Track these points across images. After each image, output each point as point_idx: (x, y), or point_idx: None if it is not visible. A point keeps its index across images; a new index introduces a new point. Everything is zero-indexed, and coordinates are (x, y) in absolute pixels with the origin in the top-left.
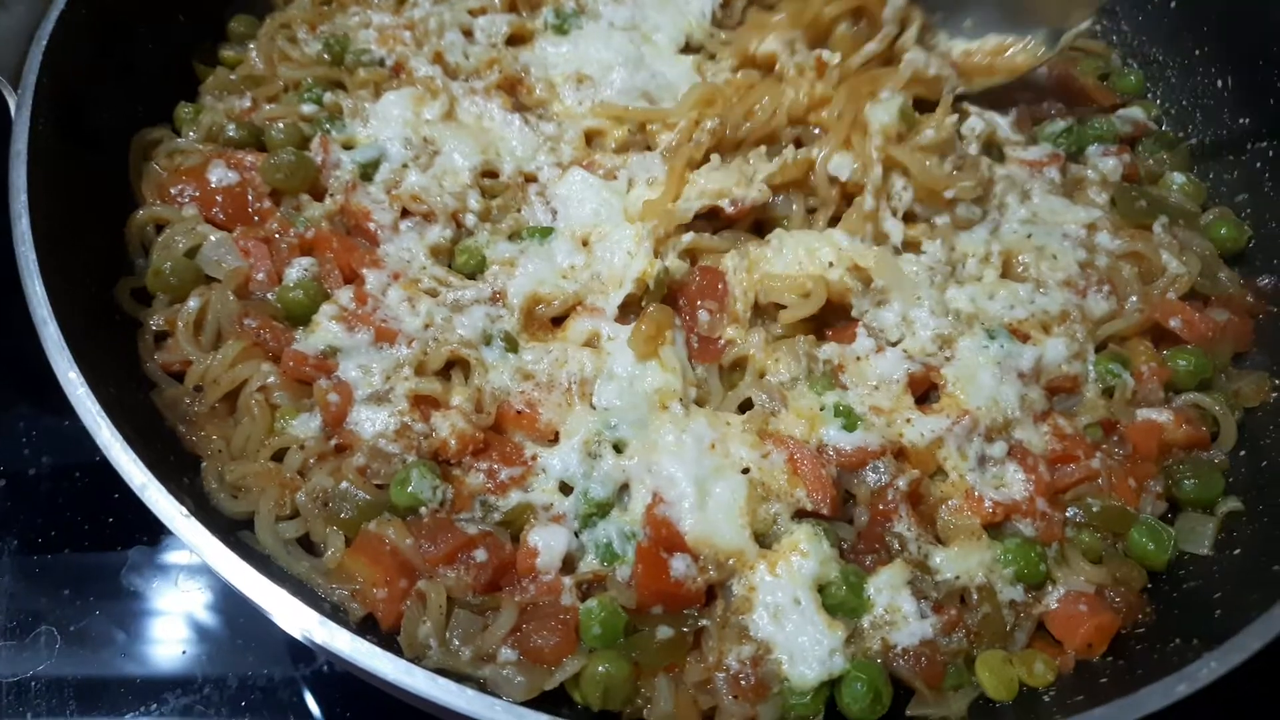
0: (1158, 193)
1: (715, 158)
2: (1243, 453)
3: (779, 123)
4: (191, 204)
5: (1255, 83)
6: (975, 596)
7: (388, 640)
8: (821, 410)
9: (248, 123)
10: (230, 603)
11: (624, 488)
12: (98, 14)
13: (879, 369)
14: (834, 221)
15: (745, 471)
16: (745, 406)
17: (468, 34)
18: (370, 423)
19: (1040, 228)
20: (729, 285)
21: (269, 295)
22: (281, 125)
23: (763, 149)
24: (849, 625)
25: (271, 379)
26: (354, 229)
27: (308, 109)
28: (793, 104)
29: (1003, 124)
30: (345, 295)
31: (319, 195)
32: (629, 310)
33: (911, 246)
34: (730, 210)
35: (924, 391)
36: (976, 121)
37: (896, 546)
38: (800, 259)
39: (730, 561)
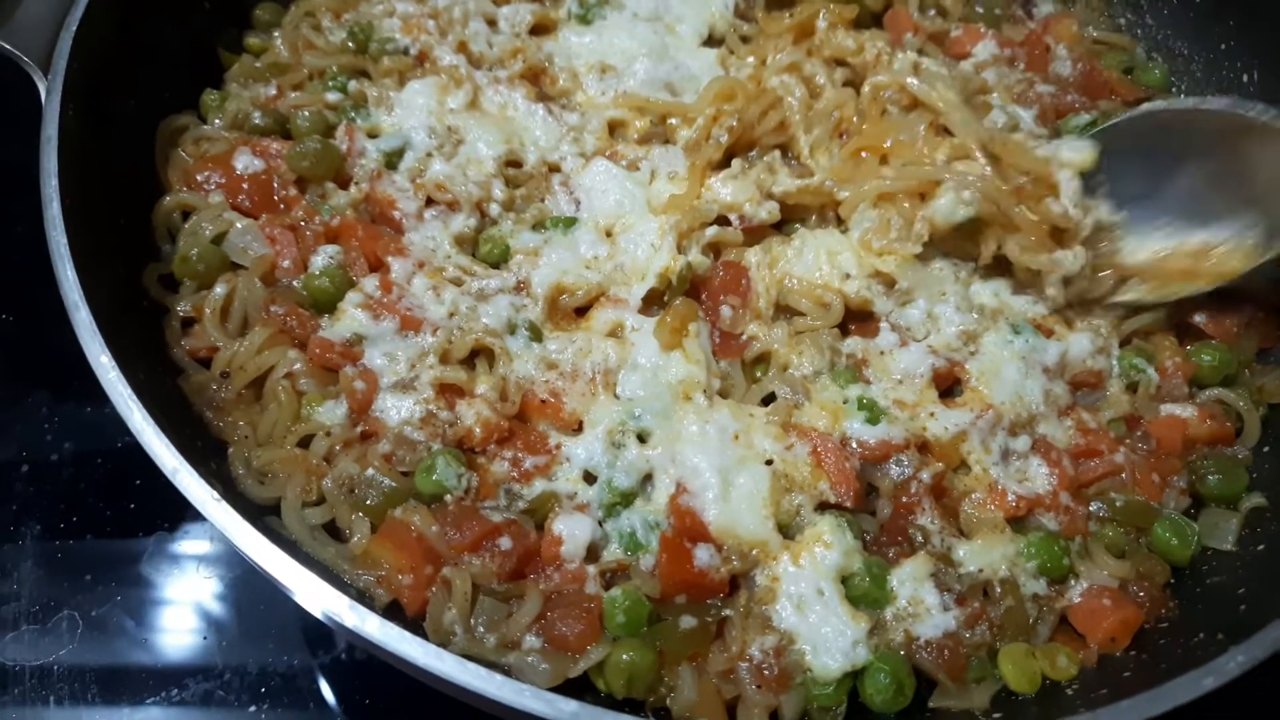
0: None
1: (736, 162)
2: (1266, 449)
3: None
4: (217, 191)
5: None
6: (998, 590)
7: (413, 626)
8: (845, 403)
9: (273, 110)
10: (249, 591)
11: (648, 477)
12: (125, 1)
13: (903, 363)
14: None
15: (768, 463)
16: (768, 400)
17: (492, 23)
18: (396, 410)
19: None
20: (752, 281)
21: (294, 283)
22: (307, 113)
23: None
24: (872, 617)
25: (298, 366)
26: (379, 217)
27: (332, 97)
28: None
29: (1025, 117)
30: (371, 283)
31: (344, 183)
32: (652, 303)
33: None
34: (737, 224)
35: (948, 386)
36: (999, 114)
37: (919, 539)
38: (821, 263)
39: (754, 552)
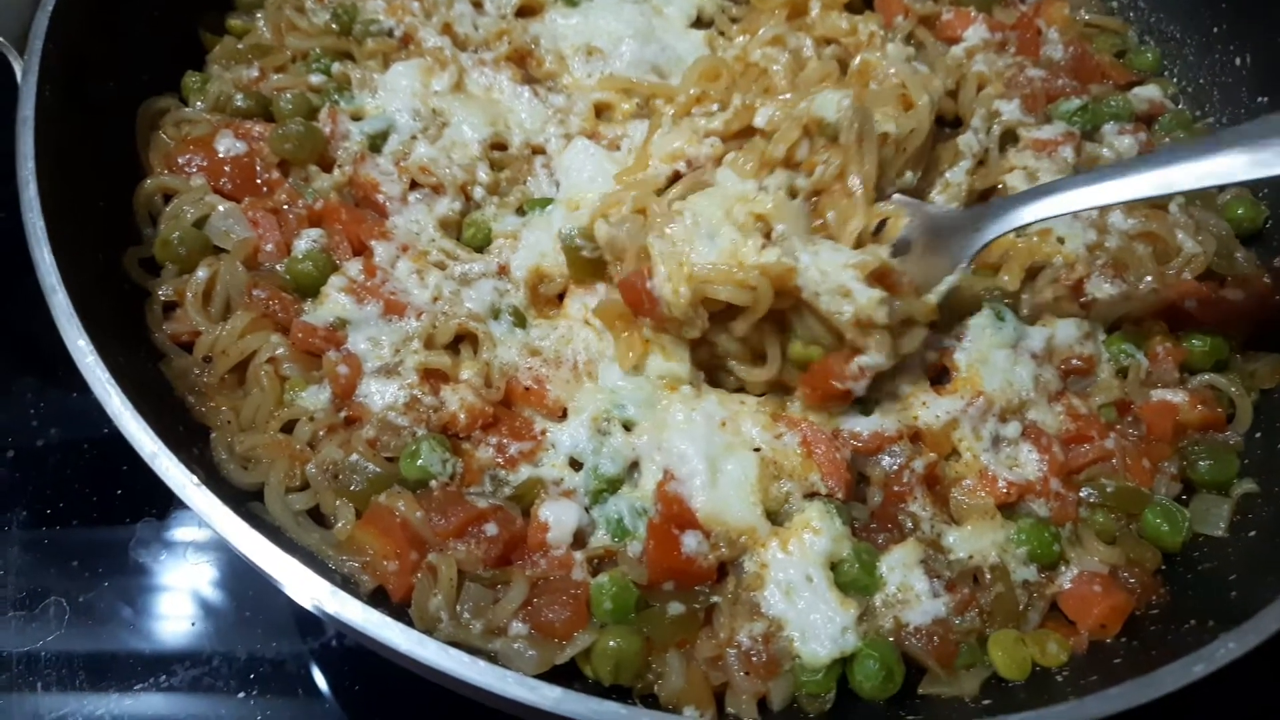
0: None
1: (667, 121)
2: (1258, 434)
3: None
4: (199, 174)
5: (1274, 61)
6: (988, 576)
7: (398, 612)
8: None
9: (255, 92)
10: (238, 577)
11: (634, 464)
12: None
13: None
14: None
15: (756, 450)
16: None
17: (477, 5)
18: (380, 395)
19: None
20: (656, 290)
21: (277, 267)
22: (290, 95)
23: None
24: (861, 603)
25: (281, 350)
26: (362, 200)
27: (316, 79)
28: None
29: (1009, 109)
30: (354, 267)
31: (327, 166)
32: None
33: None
34: (685, 171)
35: (937, 373)
36: (971, 139)
37: (910, 525)
38: (728, 232)
39: (742, 539)
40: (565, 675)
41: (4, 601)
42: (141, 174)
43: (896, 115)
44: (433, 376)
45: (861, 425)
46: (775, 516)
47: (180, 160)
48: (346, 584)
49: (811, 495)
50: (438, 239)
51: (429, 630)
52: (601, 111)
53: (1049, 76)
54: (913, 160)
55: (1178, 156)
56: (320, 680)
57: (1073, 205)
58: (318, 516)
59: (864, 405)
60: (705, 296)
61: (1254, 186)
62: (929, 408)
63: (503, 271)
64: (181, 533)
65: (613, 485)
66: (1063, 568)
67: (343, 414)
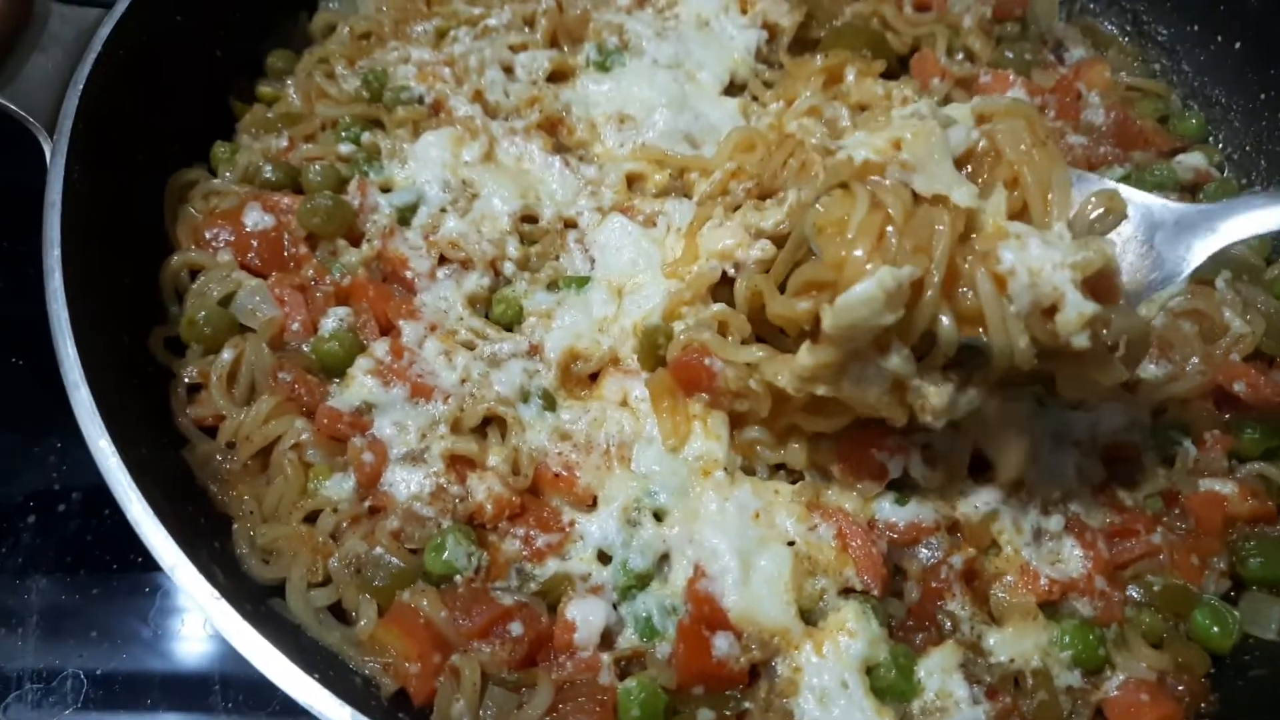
0: None
1: (719, 211)
2: None
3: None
4: (226, 248)
5: None
6: (1030, 681)
7: (420, 716)
8: None
9: (284, 163)
10: None
11: (664, 557)
12: (135, 54)
13: None
14: None
15: (790, 544)
16: (797, 476)
17: (508, 70)
18: (405, 484)
19: None
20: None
21: (304, 346)
22: (319, 167)
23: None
24: (898, 710)
25: (305, 436)
26: (390, 276)
27: (345, 149)
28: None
29: None
30: (381, 348)
31: (355, 240)
32: None
33: None
34: (733, 275)
35: (975, 463)
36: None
37: (948, 626)
38: None
39: (775, 640)
40: None
41: (21, 674)
42: (168, 248)
43: None
44: (459, 463)
45: (898, 515)
46: (809, 615)
47: (208, 234)
48: (368, 685)
49: (847, 591)
50: (466, 317)
51: None
52: (633, 182)
53: (1090, 143)
54: None
55: None
56: None
57: None
58: (339, 612)
59: (900, 493)
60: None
61: None
62: (967, 498)
63: (534, 351)
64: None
65: (642, 581)
66: (1108, 672)
67: (367, 503)
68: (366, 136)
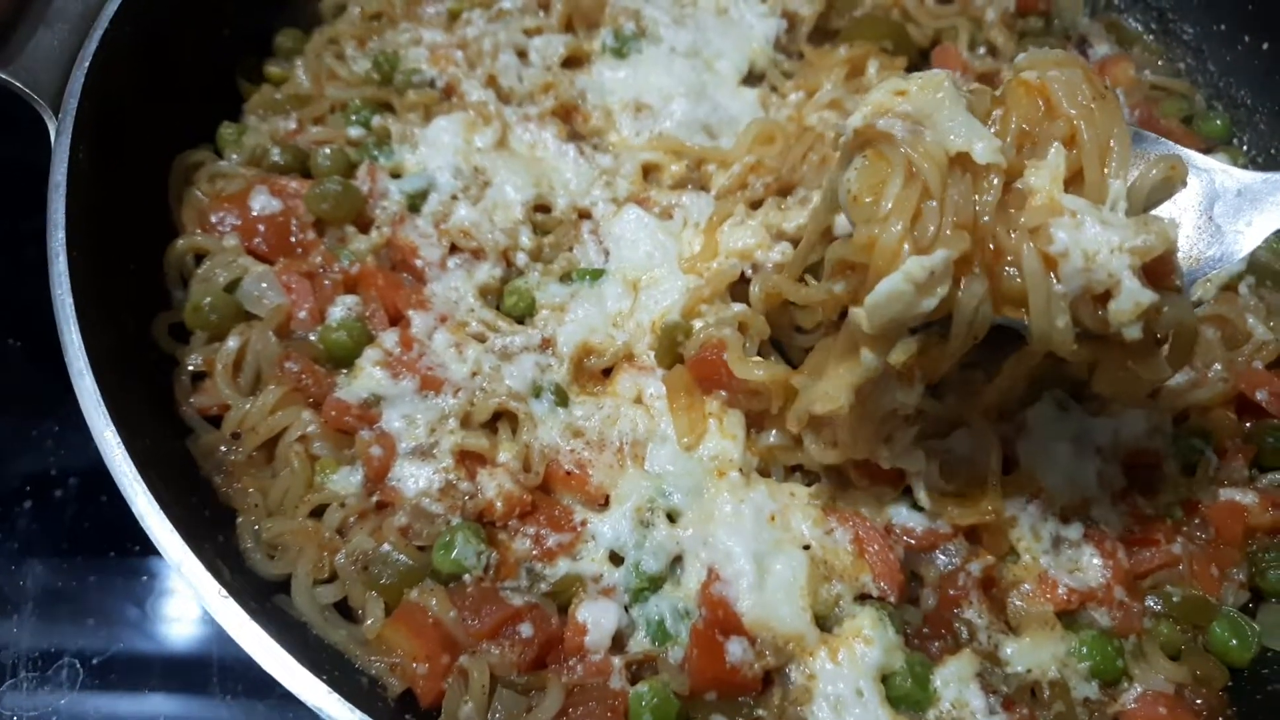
0: None
1: (740, 209)
2: None
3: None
4: (233, 233)
5: None
6: (1048, 692)
7: (427, 717)
8: None
9: (293, 146)
10: None
11: (677, 560)
12: (142, 32)
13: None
14: None
15: (806, 548)
16: (813, 478)
17: (522, 55)
18: (414, 479)
19: None
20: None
21: (310, 335)
22: (328, 151)
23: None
24: None
25: (312, 428)
26: (400, 264)
27: (355, 132)
28: None
29: None
30: (390, 339)
31: (364, 226)
32: None
33: None
34: (751, 276)
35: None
36: None
37: (965, 634)
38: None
39: (789, 646)
40: None
41: (16, 661)
42: (173, 232)
43: None
44: (469, 459)
45: (915, 520)
46: (824, 621)
47: (214, 218)
48: (374, 686)
49: (863, 598)
50: (477, 308)
51: None
52: (649, 173)
53: None
54: None
55: None
56: None
57: None
58: (345, 610)
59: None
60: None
61: None
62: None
63: (546, 345)
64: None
65: (654, 584)
66: (1125, 684)
67: (374, 498)
68: (377, 120)
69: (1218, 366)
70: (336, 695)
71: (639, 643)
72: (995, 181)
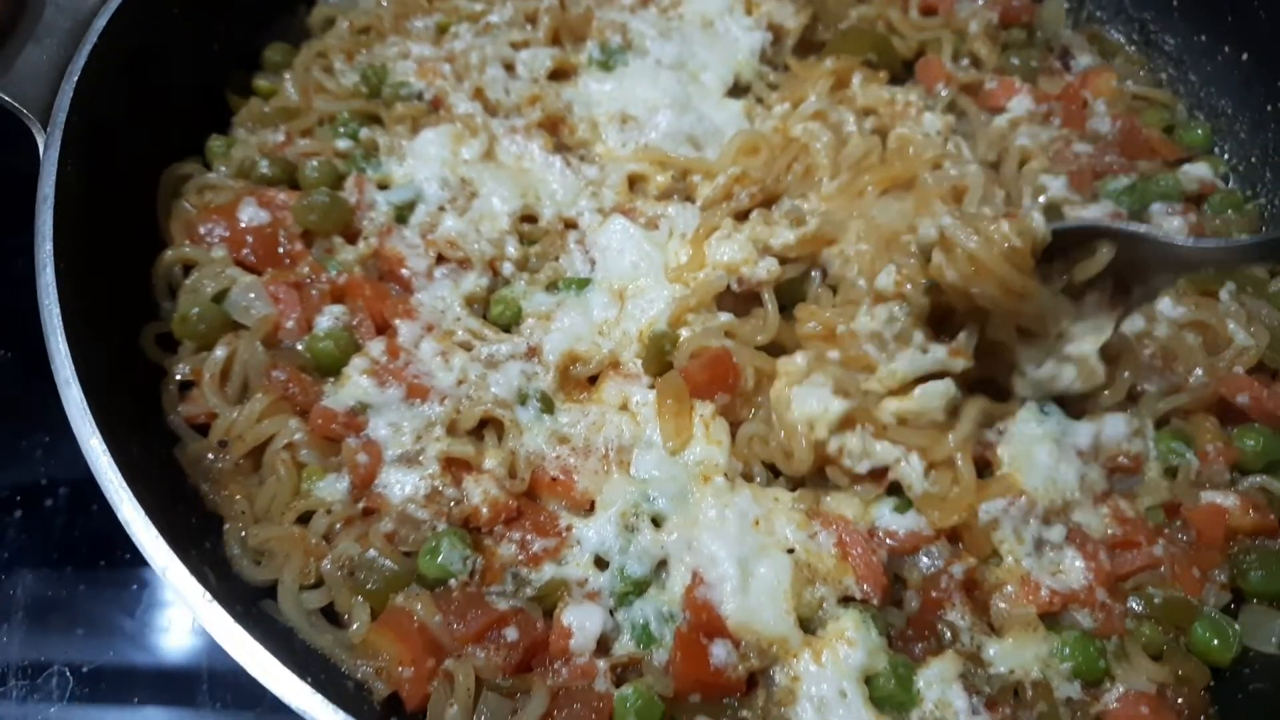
0: None
1: (728, 223)
2: None
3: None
4: (221, 244)
5: None
6: (1030, 693)
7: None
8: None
9: (281, 158)
10: None
11: (662, 564)
12: (131, 46)
13: None
14: None
15: (790, 552)
16: (796, 482)
17: (509, 68)
18: (400, 486)
19: None
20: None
21: (298, 345)
22: (315, 163)
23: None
24: None
25: (299, 436)
26: (387, 274)
27: (343, 144)
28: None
29: (1055, 185)
30: (377, 348)
31: (352, 237)
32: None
33: None
34: (736, 289)
35: (978, 468)
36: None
37: (948, 636)
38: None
39: (773, 648)
40: None
41: (5, 670)
42: (161, 244)
43: None
44: (455, 466)
45: (897, 523)
46: (808, 624)
47: (201, 229)
48: (360, 690)
49: (846, 600)
50: (464, 317)
51: None
52: (635, 183)
53: (1096, 152)
54: None
55: None
56: None
57: None
58: (331, 615)
59: (899, 500)
60: None
61: None
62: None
63: (532, 353)
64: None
65: (639, 588)
66: (1108, 685)
67: (360, 505)
68: (365, 132)
69: (1199, 371)
70: (320, 696)
71: (624, 646)
72: None
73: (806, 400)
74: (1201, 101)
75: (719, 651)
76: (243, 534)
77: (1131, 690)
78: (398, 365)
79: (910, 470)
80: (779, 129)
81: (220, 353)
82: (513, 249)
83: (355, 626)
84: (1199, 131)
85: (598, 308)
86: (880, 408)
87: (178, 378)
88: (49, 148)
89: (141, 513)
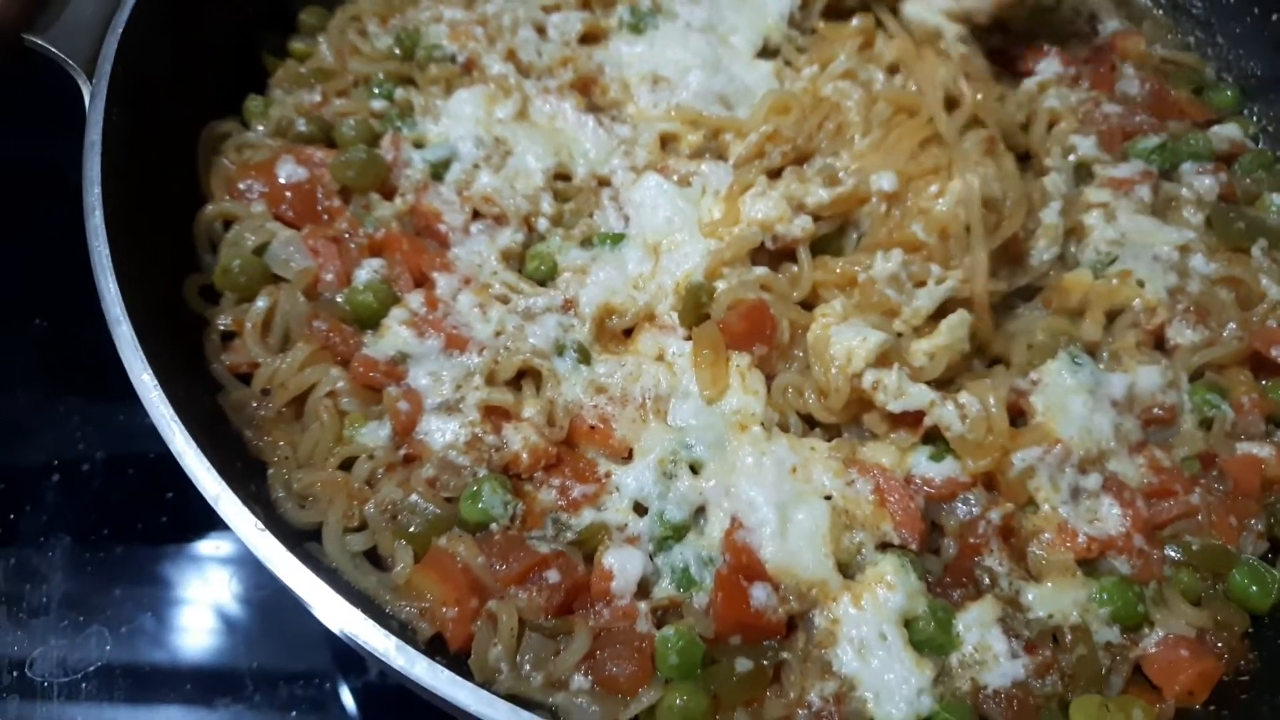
0: (1256, 214)
1: (761, 180)
2: None
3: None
4: (260, 200)
5: None
6: (1069, 637)
7: (456, 661)
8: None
9: (317, 117)
10: (281, 606)
11: (700, 510)
12: (172, 2)
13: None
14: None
15: (827, 499)
16: (832, 433)
17: (541, 31)
18: (440, 433)
19: (1129, 250)
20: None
21: (337, 297)
22: (352, 121)
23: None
24: (937, 664)
25: (340, 384)
26: (423, 230)
27: (378, 105)
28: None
29: (1085, 145)
30: (416, 300)
31: (389, 194)
32: None
33: None
34: (771, 247)
35: (1013, 419)
36: (1057, 180)
37: (986, 581)
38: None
39: (813, 592)
40: None
41: (46, 629)
42: (202, 199)
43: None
44: (494, 414)
45: (934, 470)
46: (846, 568)
47: (241, 186)
48: (404, 630)
49: (884, 546)
50: (500, 271)
51: (488, 682)
52: (667, 143)
53: (1125, 113)
54: None
55: None
56: (358, 708)
57: None
58: (374, 558)
59: (935, 447)
60: None
61: None
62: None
63: (568, 306)
64: (224, 560)
65: (678, 532)
66: (1146, 630)
67: (402, 452)
68: (399, 93)
69: (1232, 325)
70: (373, 623)
71: (663, 589)
72: None
73: (844, 334)
74: (1230, 64)
75: (759, 594)
76: (286, 477)
77: (1171, 634)
78: (436, 316)
79: (947, 412)
80: (808, 90)
81: (262, 304)
82: (547, 205)
83: (399, 568)
84: (1228, 93)
85: (632, 262)
86: (912, 351)
87: (220, 328)
88: (95, 98)
89: (194, 445)
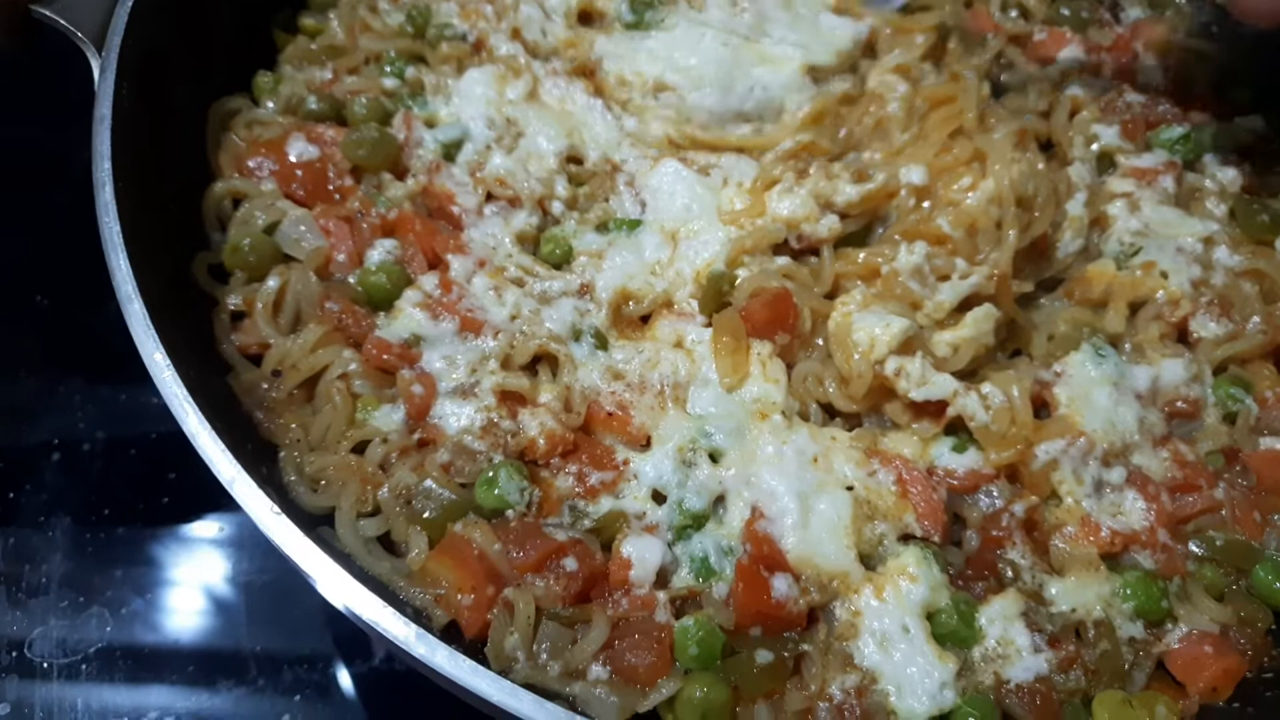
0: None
1: (789, 176)
2: None
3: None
4: (270, 178)
5: None
6: (1092, 632)
7: (471, 648)
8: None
9: (328, 95)
10: (284, 588)
11: (720, 499)
12: None
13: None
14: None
15: (849, 489)
16: (853, 423)
17: (544, 9)
18: (455, 417)
19: (1152, 241)
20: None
21: (349, 278)
22: (364, 100)
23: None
24: (959, 657)
25: (353, 366)
26: (436, 212)
27: (389, 83)
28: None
29: (1107, 134)
30: (430, 281)
31: (401, 174)
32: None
33: None
34: (796, 246)
35: (1036, 410)
36: (1081, 170)
37: (1009, 575)
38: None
39: (834, 583)
40: None
41: (46, 610)
42: (211, 177)
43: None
44: (510, 399)
45: (956, 462)
46: (868, 560)
47: (251, 163)
48: (419, 617)
49: (906, 538)
50: (515, 254)
51: (505, 671)
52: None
53: (1148, 102)
54: None
55: None
56: (360, 692)
57: None
58: (388, 544)
59: (958, 439)
60: None
61: None
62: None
63: (585, 290)
64: (226, 542)
65: (698, 521)
66: (1170, 625)
67: (416, 436)
68: (410, 72)
69: (1256, 319)
70: (391, 609)
71: (683, 579)
72: None
73: (867, 320)
74: (1253, 54)
75: (780, 584)
76: (299, 461)
77: (1194, 630)
78: (451, 299)
79: (970, 402)
80: (846, 95)
81: (273, 283)
82: (562, 188)
83: (414, 554)
84: (1245, 91)
85: (650, 248)
86: (935, 342)
87: (230, 308)
88: (105, 71)
89: (208, 426)
